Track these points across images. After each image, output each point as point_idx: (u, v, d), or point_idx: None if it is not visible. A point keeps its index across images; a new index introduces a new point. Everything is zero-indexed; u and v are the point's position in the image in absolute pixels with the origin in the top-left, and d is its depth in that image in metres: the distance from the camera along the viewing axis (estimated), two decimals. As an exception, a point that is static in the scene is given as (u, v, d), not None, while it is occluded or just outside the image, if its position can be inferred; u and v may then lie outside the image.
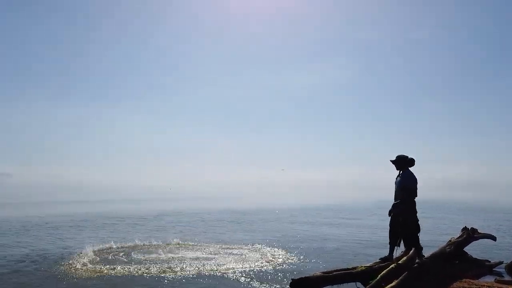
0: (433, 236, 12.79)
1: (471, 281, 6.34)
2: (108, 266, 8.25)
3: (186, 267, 8.22)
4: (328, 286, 5.56)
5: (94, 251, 9.86)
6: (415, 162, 7.00)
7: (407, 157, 6.99)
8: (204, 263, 8.64)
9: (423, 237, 7.08)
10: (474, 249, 8.64)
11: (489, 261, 8.16)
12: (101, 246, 10.66)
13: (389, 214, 7.06)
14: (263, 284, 6.95)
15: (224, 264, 8.50)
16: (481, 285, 6.17)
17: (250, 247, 10.94)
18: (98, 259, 8.96)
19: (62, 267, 8.11)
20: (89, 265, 8.29)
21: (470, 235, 8.36)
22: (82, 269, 7.93)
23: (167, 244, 11.13)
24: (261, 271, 7.93)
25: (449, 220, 21.47)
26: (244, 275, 7.54)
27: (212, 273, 7.75)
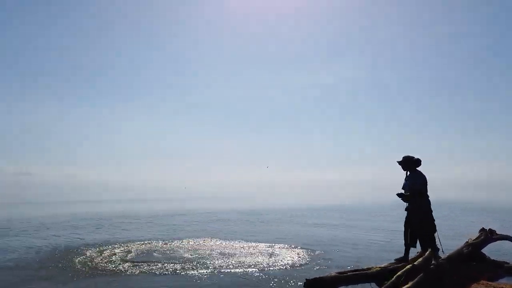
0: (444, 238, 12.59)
1: (489, 283, 6.25)
2: (128, 264, 8.39)
3: (203, 265, 8.31)
4: (343, 287, 5.56)
5: (113, 249, 10.06)
6: (421, 162, 6.95)
7: (413, 157, 6.94)
8: (220, 262, 8.71)
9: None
10: (492, 251, 8.49)
11: (508, 263, 8.00)
12: (119, 244, 10.88)
13: (406, 209, 7.01)
14: (277, 284, 6.97)
15: (238, 263, 8.56)
16: (499, 287, 6.08)
17: (263, 246, 10.96)
18: (117, 257, 9.12)
19: (83, 266, 8.29)
20: (109, 263, 8.45)
21: (488, 236, 8.22)
22: (103, 267, 8.09)
23: (185, 242, 11.28)
24: (275, 271, 7.95)
25: (451, 219, 21.07)
26: (258, 275, 7.58)
27: (227, 272, 7.82)
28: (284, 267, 8.31)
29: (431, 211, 6.94)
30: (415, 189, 6.78)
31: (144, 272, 7.73)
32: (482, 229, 8.51)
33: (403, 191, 7.01)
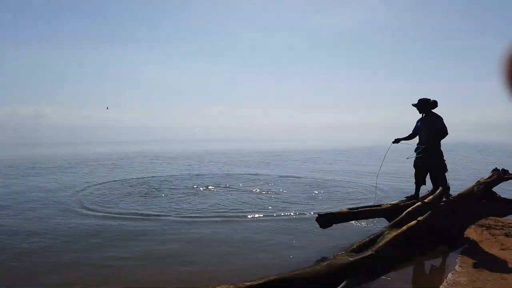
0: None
1: (497, 218, 6.42)
2: (147, 205, 8.85)
3: (222, 205, 8.72)
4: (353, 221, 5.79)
5: (140, 188, 10.54)
6: (438, 104, 6.83)
7: (429, 99, 6.82)
8: (238, 206, 9.10)
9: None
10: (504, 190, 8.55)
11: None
12: (146, 182, 11.42)
13: (415, 151, 7.04)
14: (291, 218, 7.31)
15: (252, 204, 8.92)
16: (507, 223, 6.26)
17: (283, 185, 11.32)
18: (144, 195, 9.59)
19: (110, 204, 8.79)
20: (135, 201, 8.94)
21: (500, 176, 8.24)
22: (128, 208, 8.58)
23: (210, 184, 11.74)
24: (289, 210, 8.29)
25: (468, 161, 21.02)
26: (271, 219, 7.93)
27: (239, 217, 8.20)
28: (299, 207, 8.63)
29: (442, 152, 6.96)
30: (440, 129, 6.72)
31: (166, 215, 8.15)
32: (495, 169, 8.51)
33: (418, 132, 6.96)
